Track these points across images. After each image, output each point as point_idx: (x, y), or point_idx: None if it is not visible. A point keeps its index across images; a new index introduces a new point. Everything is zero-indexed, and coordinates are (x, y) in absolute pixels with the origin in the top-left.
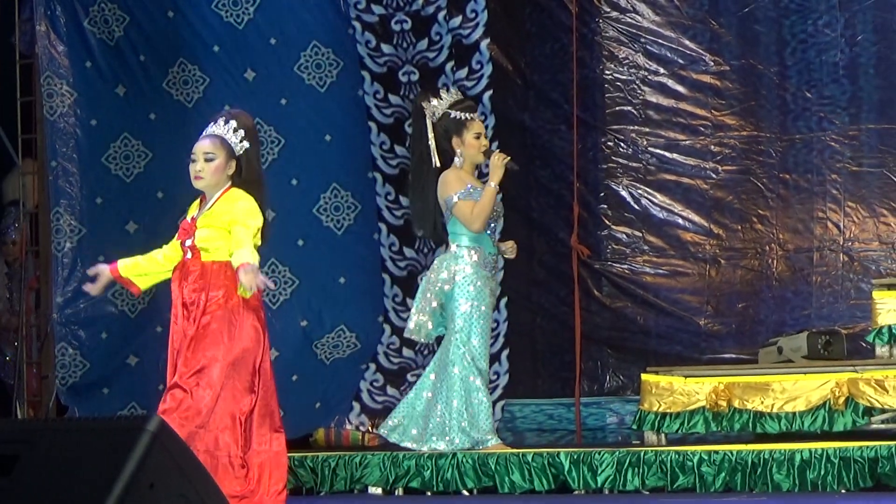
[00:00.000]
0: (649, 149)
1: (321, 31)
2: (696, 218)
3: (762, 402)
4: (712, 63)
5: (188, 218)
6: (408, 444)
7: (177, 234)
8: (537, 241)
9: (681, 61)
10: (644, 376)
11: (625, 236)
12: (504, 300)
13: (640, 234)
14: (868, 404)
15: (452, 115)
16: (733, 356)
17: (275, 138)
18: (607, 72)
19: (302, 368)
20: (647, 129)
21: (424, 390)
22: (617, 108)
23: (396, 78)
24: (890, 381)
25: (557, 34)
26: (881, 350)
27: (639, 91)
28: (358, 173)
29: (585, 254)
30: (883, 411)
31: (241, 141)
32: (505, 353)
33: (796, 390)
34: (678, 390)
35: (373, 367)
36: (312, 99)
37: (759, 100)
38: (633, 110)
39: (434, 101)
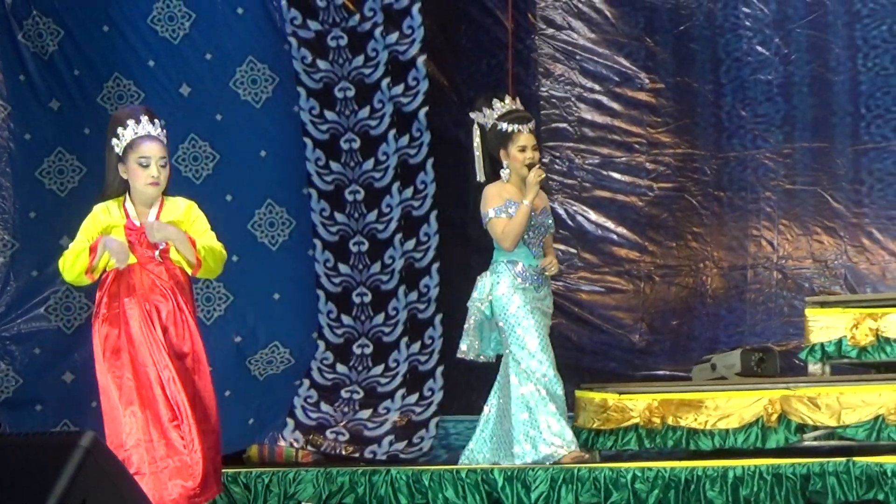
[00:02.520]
0: (584, 166)
1: (257, 46)
2: (630, 235)
3: (696, 419)
4: (647, 81)
5: (128, 223)
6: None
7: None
8: (473, 259)
9: (616, 79)
10: (578, 393)
11: (560, 253)
12: (439, 317)
13: (575, 251)
14: (801, 421)
15: (500, 127)
16: (667, 373)
17: (210, 154)
18: (543, 89)
19: (235, 384)
20: (583, 147)
21: (490, 410)
22: (552, 125)
23: (332, 94)
24: (822, 398)
25: (493, 51)
26: (814, 367)
27: (574, 108)
28: (293, 189)
29: None
30: (815, 428)
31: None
32: (440, 369)
33: (730, 407)
34: (612, 407)
35: (307, 383)
36: (248, 114)
37: (694, 117)
38: (568, 127)
39: (486, 111)
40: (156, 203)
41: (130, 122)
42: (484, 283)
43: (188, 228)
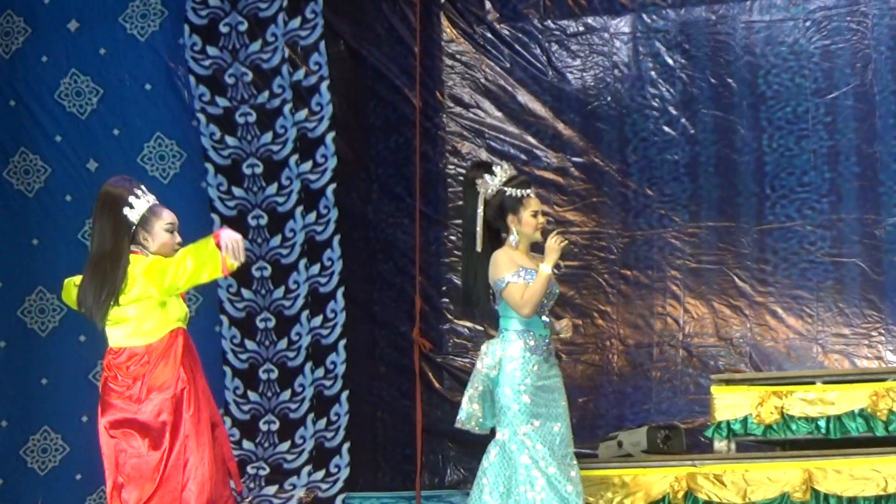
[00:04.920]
0: None
1: (165, 122)
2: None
3: (602, 497)
4: (555, 159)
5: None
6: None
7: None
8: (379, 335)
9: (523, 157)
10: None
11: (466, 330)
12: (345, 393)
13: (482, 328)
14: (707, 498)
15: (508, 193)
16: (574, 450)
17: None
18: (450, 166)
19: None
20: None
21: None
22: (460, 203)
23: (240, 170)
24: (728, 475)
25: (401, 128)
26: (719, 444)
27: None
28: None
29: (427, 347)
30: None
31: None
32: (346, 446)
33: (636, 485)
34: None
35: None
36: (155, 190)
37: (601, 196)
38: None
39: (487, 178)
40: None
41: (138, 192)
42: (493, 350)
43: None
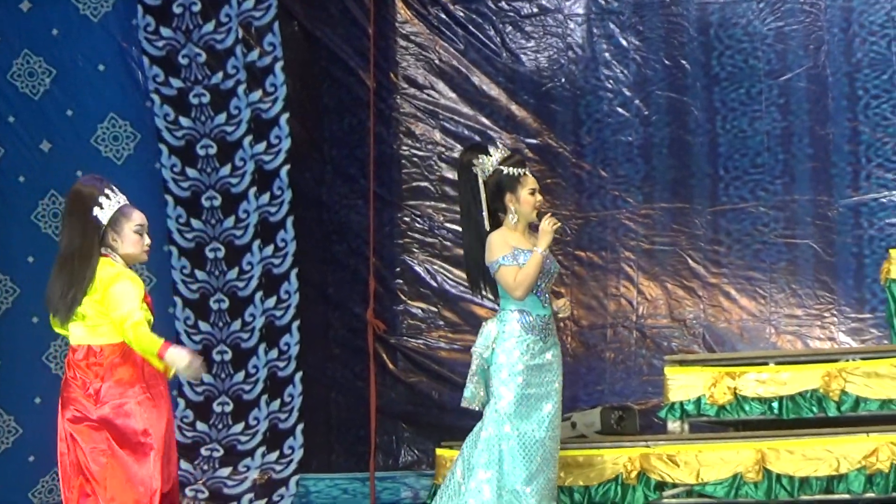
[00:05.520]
0: (445, 224)
1: (119, 103)
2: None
3: (556, 476)
4: (509, 141)
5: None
6: None
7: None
8: (333, 316)
9: (477, 138)
10: (439, 451)
11: (420, 311)
12: (299, 375)
13: (436, 310)
14: (660, 479)
15: (505, 171)
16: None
17: None
18: (404, 147)
19: None
20: (444, 205)
21: (456, 466)
22: (414, 184)
23: (194, 151)
24: (681, 455)
25: (355, 109)
26: (673, 425)
27: (436, 167)
28: (153, 247)
29: (381, 328)
30: (675, 486)
31: None
32: (299, 427)
33: (589, 465)
34: None
35: None
36: (109, 171)
37: (555, 178)
38: (429, 186)
39: (484, 158)
40: None
41: (108, 192)
42: (489, 329)
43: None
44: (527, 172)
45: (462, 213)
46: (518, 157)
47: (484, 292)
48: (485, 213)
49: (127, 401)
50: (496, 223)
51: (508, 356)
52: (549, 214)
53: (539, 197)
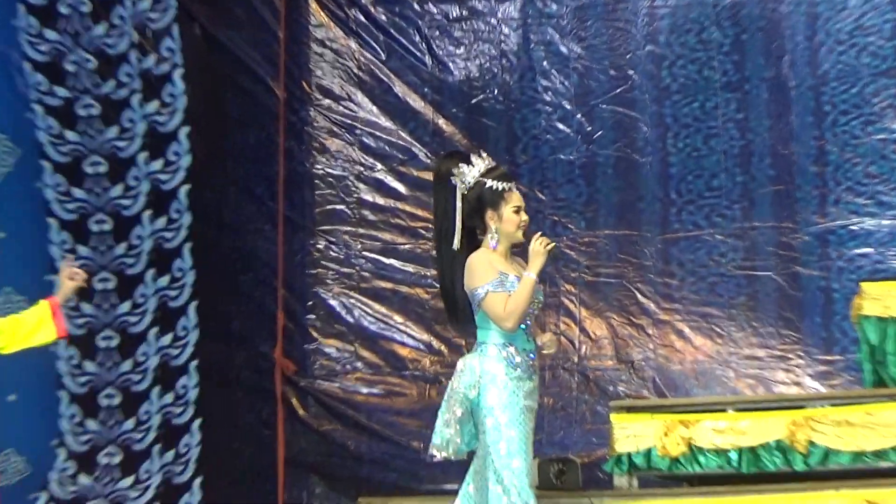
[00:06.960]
0: (364, 253)
1: None
2: (415, 331)
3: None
4: (435, 159)
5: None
6: None
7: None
8: (237, 354)
9: (400, 156)
10: None
11: (335, 350)
12: (197, 421)
13: (353, 349)
14: None
15: (488, 185)
16: (456, 487)
17: None
18: (318, 166)
19: None
20: (362, 231)
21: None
22: (328, 207)
23: (81, 169)
24: None
25: (263, 122)
26: (620, 480)
27: (353, 188)
28: (35, 275)
29: (290, 370)
30: None
31: None
32: (197, 481)
33: None
34: None
35: (44, 496)
36: None
37: None
38: (346, 209)
39: (465, 168)
40: None
41: None
42: (472, 365)
43: None
44: (513, 188)
45: (436, 230)
46: (503, 169)
47: (453, 326)
48: (457, 231)
49: None
50: (472, 244)
51: (499, 397)
52: (538, 234)
53: (525, 216)
